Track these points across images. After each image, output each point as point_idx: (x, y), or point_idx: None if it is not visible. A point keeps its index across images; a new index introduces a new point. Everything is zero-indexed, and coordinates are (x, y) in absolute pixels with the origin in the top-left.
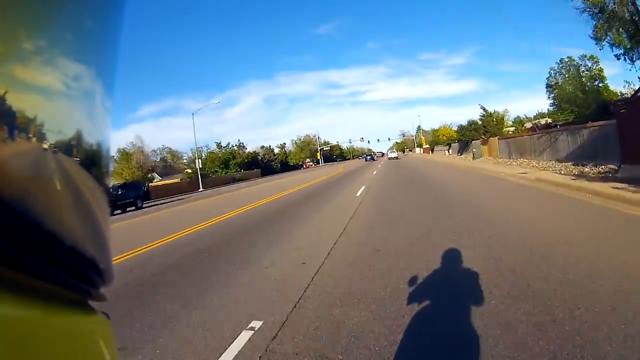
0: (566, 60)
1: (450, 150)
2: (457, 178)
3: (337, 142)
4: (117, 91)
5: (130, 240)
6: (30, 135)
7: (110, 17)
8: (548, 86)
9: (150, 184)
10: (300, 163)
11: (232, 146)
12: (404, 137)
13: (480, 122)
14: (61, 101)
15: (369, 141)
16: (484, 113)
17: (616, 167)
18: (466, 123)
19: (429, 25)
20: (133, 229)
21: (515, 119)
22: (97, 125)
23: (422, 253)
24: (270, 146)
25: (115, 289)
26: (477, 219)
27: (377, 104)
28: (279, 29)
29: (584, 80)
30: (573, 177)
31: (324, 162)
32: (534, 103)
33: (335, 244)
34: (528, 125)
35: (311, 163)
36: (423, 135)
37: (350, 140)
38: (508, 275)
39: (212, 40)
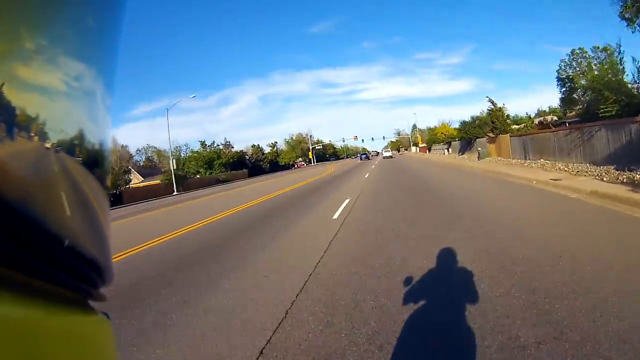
0: (578, 51)
1: (450, 150)
2: (475, 187)
3: (330, 140)
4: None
5: None
6: (32, 135)
7: (111, 15)
8: (559, 79)
9: (126, 187)
10: (291, 163)
11: (218, 145)
12: (399, 135)
13: (488, 117)
14: (63, 100)
15: (362, 140)
16: (492, 107)
17: None
18: (470, 119)
19: (424, 25)
20: None
21: (514, 117)
22: (99, 124)
23: None
24: (259, 145)
25: None
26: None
27: (372, 103)
28: (274, 27)
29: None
30: (630, 189)
31: (317, 162)
32: (533, 102)
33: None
34: (536, 121)
35: (303, 163)
36: (419, 134)
37: (343, 139)
38: None
39: (206, 39)
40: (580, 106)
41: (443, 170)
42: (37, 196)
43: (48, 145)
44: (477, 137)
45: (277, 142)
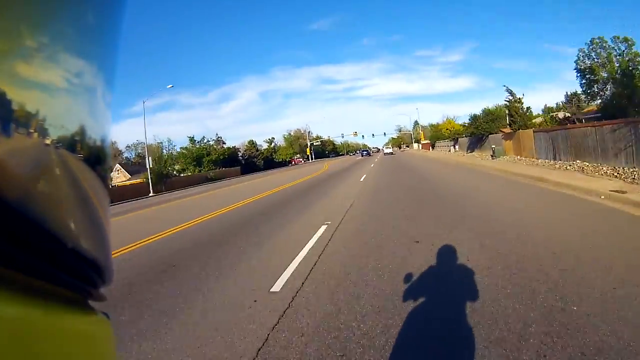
0: (597, 41)
1: (457, 146)
2: (510, 200)
3: (329, 137)
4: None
5: None
6: (32, 131)
7: (111, 11)
8: (579, 70)
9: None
10: (288, 159)
11: (208, 141)
12: (400, 132)
13: (503, 110)
14: (64, 97)
15: (363, 136)
16: (510, 98)
17: None
18: (480, 112)
19: (425, 22)
20: None
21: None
22: (99, 121)
23: None
24: (253, 141)
25: None
26: None
27: (373, 100)
28: (275, 24)
29: None
30: None
31: (315, 158)
32: (533, 101)
33: None
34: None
35: (301, 159)
36: (421, 130)
37: (342, 134)
38: None
39: (207, 35)
40: (601, 100)
41: (456, 171)
42: (37, 194)
43: (48, 141)
44: (490, 133)
45: (274, 138)
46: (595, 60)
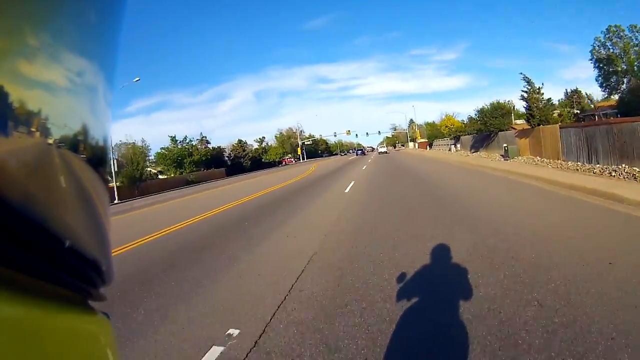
0: (614, 29)
1: (459, 145)
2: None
3: (321, 135)
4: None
5: None
6: (34, 130)
7: (112, 10)
8: (596, 60)
9: None
10: (278, 159)
11: (191, 141)
12: (395, 130)
13: (524, 102)
14: (65, 96)
15: (357, 135)
16: (528, 88)
17: None
18: (488, 106)
19: (419, 20)
20: None
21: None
22: (100, 120)
23: None
24: (241, 141)
25: None
26: None
27: (367, 99)
28: (270, 23)
29: None
30: None
31: (307, 158)
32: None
33: None
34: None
35: (292, 159)
36: (417, 129)
37: (335, 133)
38: None
39: (202, 34)
40: (619, 93)
41: (477, 179)
42: (37, 194)
43: (51, 141)
44: (500, 130)
45: (264, 138)
46: (612, 50)
